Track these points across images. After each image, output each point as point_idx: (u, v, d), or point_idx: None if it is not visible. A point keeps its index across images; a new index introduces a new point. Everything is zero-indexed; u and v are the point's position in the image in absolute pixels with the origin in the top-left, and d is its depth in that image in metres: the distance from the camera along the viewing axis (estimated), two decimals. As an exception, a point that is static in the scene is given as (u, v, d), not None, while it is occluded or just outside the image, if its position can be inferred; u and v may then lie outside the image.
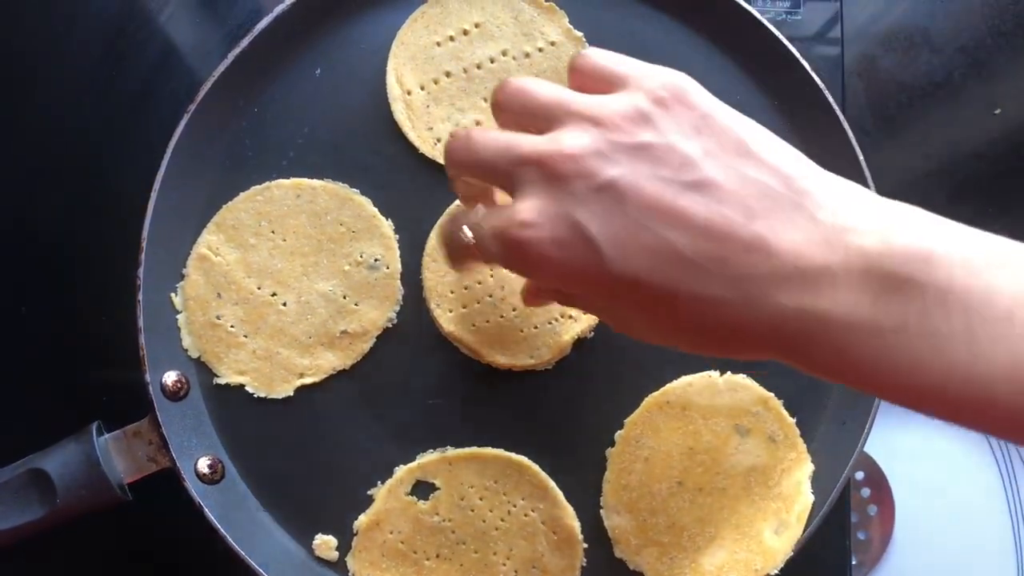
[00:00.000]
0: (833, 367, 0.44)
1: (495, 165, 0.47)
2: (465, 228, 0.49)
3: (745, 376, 0.67)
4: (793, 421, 0.66)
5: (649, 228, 0.43)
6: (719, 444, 0.66)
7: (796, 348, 0.44)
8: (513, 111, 0.49)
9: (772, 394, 0.66)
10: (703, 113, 0.45)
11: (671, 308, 0.44)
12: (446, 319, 0.66)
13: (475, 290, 0.66)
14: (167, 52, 0.75)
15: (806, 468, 0.66)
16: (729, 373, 0.66)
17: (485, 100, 0.68)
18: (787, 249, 0.42)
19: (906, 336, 0.41)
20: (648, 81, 0.46)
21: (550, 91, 0.47)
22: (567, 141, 0.45)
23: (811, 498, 0.65)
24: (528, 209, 0.45)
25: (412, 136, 0.68)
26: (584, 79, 0.49)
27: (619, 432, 0.66)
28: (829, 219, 0.43)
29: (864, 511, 0.83)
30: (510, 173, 0.46)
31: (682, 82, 0.46)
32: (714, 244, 0.43)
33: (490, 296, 0.66)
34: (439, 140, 0.68)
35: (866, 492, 0.83)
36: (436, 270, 0.67)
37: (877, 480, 0.83)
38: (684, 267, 0.43)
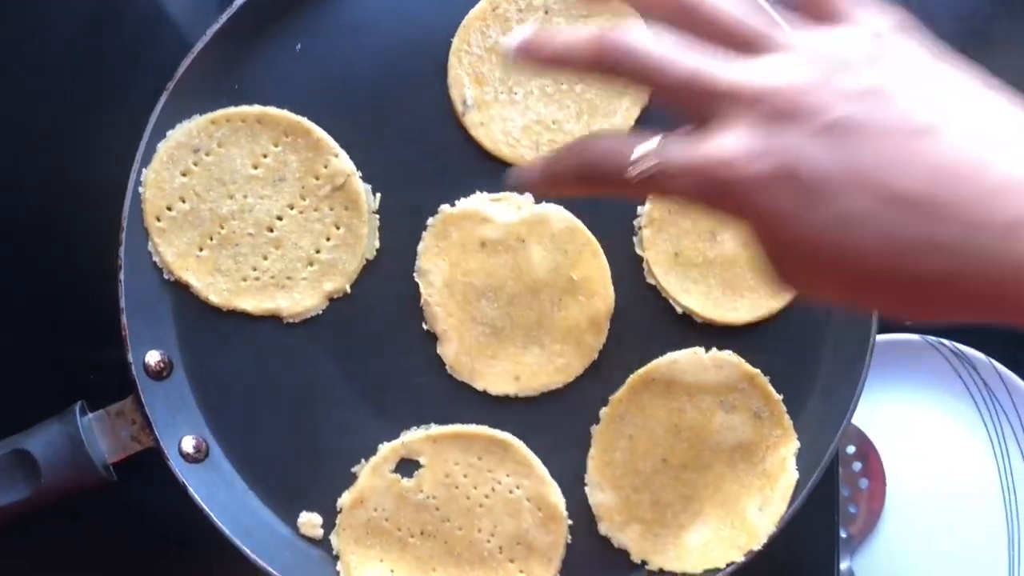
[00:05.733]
0: None
1: (678, 90, 0.42)
2: (638, 151, 0.42)
3: (731, 353, 0.66)
4: (780, 398, 0.66)
5: (876, 170, 0.38)
6: (704, 421, 0.66)
7: None
8: (696, 21, 0.43)
9: (758, 371, 0.66)
10: (923, 58, 0.41)
11: (882, 256, 0.39)
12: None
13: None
14: (154, 20, 0.74)
15: (791, 445, 0.66)
16: (715, 350, 0.66)
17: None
18: None
19: None
20: (870, 19, 0.42)
21: (744, 7, 0.43)
22: (786, 75, 0.40)
23: (796, 475, 0.65)
24: (735, 145, 0.39)
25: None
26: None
27: (603, 409, 0.66)
28: None
29: (855, 484, 0.83)
30: (702, 104, 0.41)
31: (902, 23, 0.42)
32: (949, 186, 0.37)
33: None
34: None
35: (857, 466, 0.83)
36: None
37: (867, 453, 0.83)
38: (906, 211, 0.38)
